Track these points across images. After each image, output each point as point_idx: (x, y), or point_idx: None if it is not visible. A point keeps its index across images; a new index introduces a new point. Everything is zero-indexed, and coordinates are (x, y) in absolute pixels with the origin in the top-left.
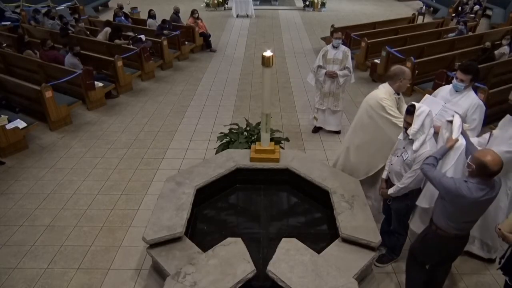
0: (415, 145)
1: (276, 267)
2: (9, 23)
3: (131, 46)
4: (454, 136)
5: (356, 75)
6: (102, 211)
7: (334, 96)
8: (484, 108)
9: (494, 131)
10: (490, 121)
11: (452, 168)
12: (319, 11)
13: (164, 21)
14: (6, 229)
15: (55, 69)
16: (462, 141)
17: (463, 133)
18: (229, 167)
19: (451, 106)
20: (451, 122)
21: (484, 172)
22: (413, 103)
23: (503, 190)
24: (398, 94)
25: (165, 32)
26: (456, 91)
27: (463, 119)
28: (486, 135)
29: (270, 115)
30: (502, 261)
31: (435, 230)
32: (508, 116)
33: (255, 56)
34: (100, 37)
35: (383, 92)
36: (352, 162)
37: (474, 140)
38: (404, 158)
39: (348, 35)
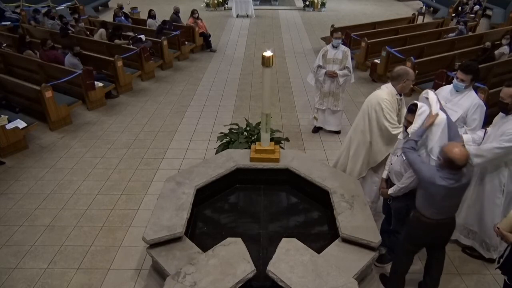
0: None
1: (276, 267)
2: (9, 23)
3: (131, 46)
4: (433, 112)
5: (356, 75)
6: (102, 211)
7: (334, 96)
8: (485, 108)
9: (488, 128)
10: (490, 120)
11: (437, 144)
12: (319, 11)
13: (164, 21)
14: (6, 229)
15: (55, 69)
16: (442, 116)
17: (443, 109)
18: (229, 167)
19: (452, 106)
20: (427, 98)
21: (451, 165)
22: (416, 102)
23: (497, 186)
24: (400, 95)
25: (165, 31)
26: (457, 91)
27: (464, 119)
28: (481, 133)
29: (270, 115)
30: (501, 260)
31: (419, 217)
32: (500, 113)
33: (255, 56)
34: (95, 38)
35: (386, 92)
36: (349, 162)
37: (467, 137)
38: (404, 158)
39: (348, 35)
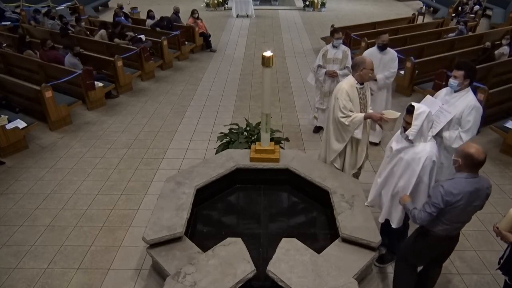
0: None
1: (276, 267)
2: (9, 23)
3: (131, 46)
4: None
5: None
6: (102, 211)
7: None
8: (481, 110)
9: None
10: (489, 121)
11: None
12: (319, 11)
13: (162, 18)
14: (6, 229)
15: (55, 69)
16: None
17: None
18: (229, 167)
19: (448, 107)
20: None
21: (471, 163)
22: (412, 103)
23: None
24: (362, 84)
25: (159, 29)
26: (455, 91)
27: (458, 121)
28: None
29: (270, 115)
30: (501, 261)
31: (426, 231)
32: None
33: (255, 56)
34: (95, 39)
35: (345, 83)
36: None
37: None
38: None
39: (348, 35)
